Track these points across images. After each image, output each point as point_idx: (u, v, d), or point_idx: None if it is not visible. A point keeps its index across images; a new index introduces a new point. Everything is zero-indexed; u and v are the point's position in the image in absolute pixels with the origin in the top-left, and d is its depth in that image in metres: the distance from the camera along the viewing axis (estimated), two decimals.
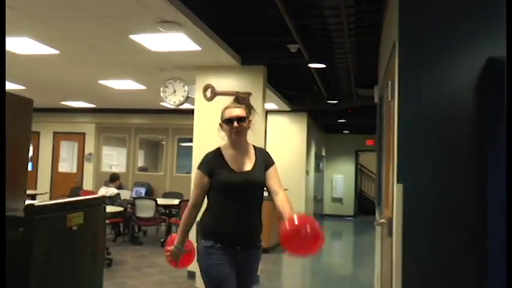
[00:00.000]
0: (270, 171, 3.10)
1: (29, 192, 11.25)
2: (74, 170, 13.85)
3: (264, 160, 3.11)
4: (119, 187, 12.16)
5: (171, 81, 6.94)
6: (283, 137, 11.10)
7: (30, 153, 14.23)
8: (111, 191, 8.96)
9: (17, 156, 2.60)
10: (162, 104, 10.95)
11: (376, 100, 6.99)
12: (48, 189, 13.65)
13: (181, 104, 6.93)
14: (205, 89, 6.68)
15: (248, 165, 3.02)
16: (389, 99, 3.19)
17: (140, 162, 14.45)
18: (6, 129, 2.17)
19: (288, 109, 10.60)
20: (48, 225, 2.18)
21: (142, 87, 8.82)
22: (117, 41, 5.72)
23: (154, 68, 7.07)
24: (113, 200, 8.87)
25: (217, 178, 2.96)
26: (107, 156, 14.32)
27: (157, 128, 13.37)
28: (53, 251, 2.21)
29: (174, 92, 6.92)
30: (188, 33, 5.23)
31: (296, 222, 2.71)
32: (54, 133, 13.99)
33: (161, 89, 6.97)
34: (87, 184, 13.41)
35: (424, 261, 2.73)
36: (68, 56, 6.59)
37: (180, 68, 6.89)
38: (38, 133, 14.04)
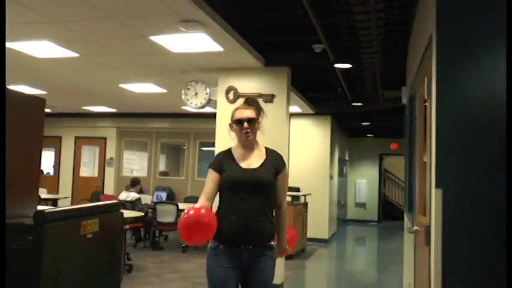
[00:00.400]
0: (279, 178, 3.12)
1: (50, 196, 11.25)
2: (95, 175, 13.82)
3: (275, 163, 3.12)
4: (140, 191, 12.08)
5: (192, 83, 6.80)
6: (307, 141, 10.87)
7: (52, 158, 14.28)
8: (131, 195, 8.85)
9: (28, 159, 2.43)
10: (183, 107, 10.91)
11: (404, 101, 6.74)
12: (69, 194, 13.64)
13: (203, 106, 6.78)
14: (227, 91, 6.52)
15: (256, 163, 3.05)
16: (425, 97, 2.96)
17: (161, 167, 14.38)
18: (17, 130, 2.01)
19: (312, 112, 10.37)
20: (60, 233, 2.01)
21: (164, 90, 8.70)
22: (137, 42, 5.59)
23: (175, 70, 6.93)
24: (134, 204, 8.76)
25: (225, 175, 3.01)
26: (128, 160, 14.26)
27: (179, 132, 13.27)
28: (65, 262, 2.03)
29: (196, 94, 6.78)
30: (210, 33, 5.07)
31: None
32: (76, 138, 13.99)
33: (182, 91, 6.84)
34: (108, 189, 13.36)
35: (465, 272, 2.51)
36: (88, 59, 6.49)
37: (202, 70, 6.74)
38: (60, 138, 14.08)
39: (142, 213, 7.66)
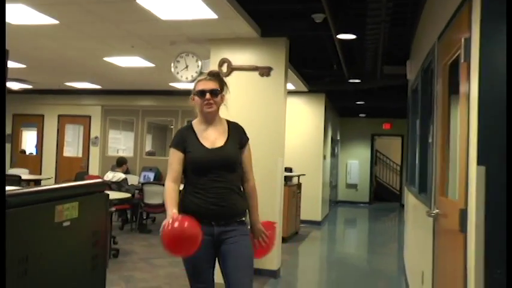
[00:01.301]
0: (245, 151, 3.10)
1: (31, 177, 10.75)
2: (80, 155, 13.30)
3: (239, 136, 3.07)
4: (126, 172, 11.63)
5: (182, 55, 6.32)
6: (300, 119, 10.44)
7: (35, 137, 13.73)
8: (117, 175, 8.41)
9: None
10: (171, 84, 10.42)
11: (410, 76, 6.35)
12: (53, 175, 13.13)
13: (194, 80, 6.30)
14: (220, 64, 6.05)
15: (220, 141, 2.97)
16: (462, 61, 2.55)
17: (148, 147, 13.90)
18: None
19: (305, 90, 9.93)
20: (27, 222, 1.56)
21: (151, 64, 8.19)
22: (122, 7, 5.08)
23: (164, 41, 6.44)
24: (120, 185, 8.31)
25: (189, 156, 2.91)
26: (113, 140, 13.76)
27: (166, 110, 12.77)
28: (34, 258, 1.59)
29: (186, 67, 6.31)
30: None
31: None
32: (59, 116, 13.42)
33: (172, 64, 6.35)
34: (93, 169, 12.86)
35: None
36: (68, 27, 5.96)
37: (193, 41, 6.25)
38: (42, 116, 13.52)
39: (128, 195, 7.22)
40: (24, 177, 9.75)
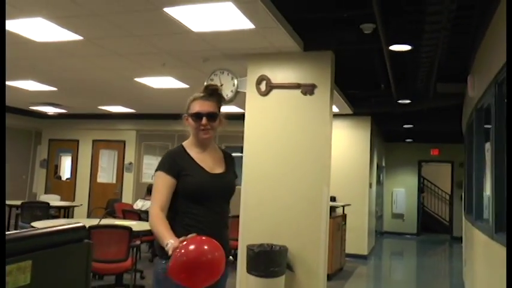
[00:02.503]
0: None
1: (62, 204, 10.34)
2: (114, 181, 12.90)
3: (234, 169, 2.71)
4: None
5: (217, 73, 5.78)
6: (344, 145, 9.70)
7: (69, 163, 13.47)
8: (147, 204, 7.86)
9: None
10: None
11: (471, 93, 5.60)
12: (86, 201, 12.78)
13: (230, 100, 5.74)
14: (259, 82, 5.47)
15: (219, 167, 2.59)
16: None
17: None
18: None
19: (350, 112, 9.24)
20: None
21: (185, 85, 7.70)
22: (147, 16, 4.56)
23: (197, 58, 5.92)
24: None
25: (186, 180, 2.44)
26: (148, 166, 13.32)
27: None
28: None
29: (221, 86, 5.74)
30: (238, 2, 4.04)
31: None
32: (94, 141, 13.11)
33: (205, 83, 5.79)
34: (127, 196, 12.42)
35: None
36: (93, 43, 5.51)
37: (228, 57, 5.71)
38: (77, 141, 13.24)
39: None
40: (54, 203, 9.35)
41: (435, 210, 16.52)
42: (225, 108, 7.78)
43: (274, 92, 5.41)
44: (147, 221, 7.02)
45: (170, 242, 2.09)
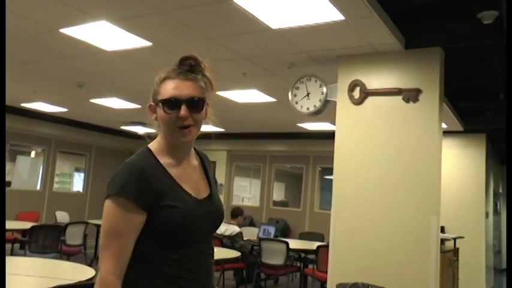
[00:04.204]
0: None
1: None
2: None
3: (214, 175, 1.81)
4: (251, 223, 10.48)
5: (303, 80, 4.99)
6: (454, 167, 8.43)
7: None
8: (231, 229, 7.19)
9: None
10: (299, 125, 9.20)
11: None
12: None
13: (318, 111, 4.91)
14: (351, 88, 4.61)
15: (204, 185, 1.69)
16: None
17: (279, 196, 12.70)
18: None
19: (460, 129, 8.01)
20: None
21: (271, 99, 7.01)
22: (216, 11, 3.91)
23: (281, 63, 5.20)
24: (233, 240, 7.08)
25: (168, 213, 1.51)
26: (239, 188, 12.79)
27: (296, 156, 11.53)
28: None
29: (308, 95, 4.96)
30: None
31: None
32: None
33: (290, 92, 5.05)
34: None
35: None
36: (164, 49, 4.97)
37: (316, 60, 4.93)
38: None
39: (238, 254, 5.90)
40: None
41: None
42: (316, 125, 7.00)
43: (370, 99, 4.51)
44: (230, 247, 6.37)
45: None
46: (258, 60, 5.22)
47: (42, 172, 11.35)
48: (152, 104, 1.64)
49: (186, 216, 1.54)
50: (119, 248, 1.47)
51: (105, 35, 4.59)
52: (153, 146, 1.63)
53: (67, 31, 4.54)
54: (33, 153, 13.08)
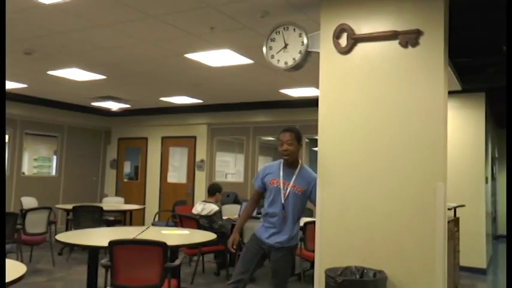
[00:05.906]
0: None
1: (131, 207, 9.29)
2: (184, 181, 11.73)
3: None
4: (235, 200, 9.79)
5: (279, 29, 4.20)
6: (452, 130, 7.60)
7: (129, 162, 12.58)
8: (208, 208, 6.48)
9: None
10: (282, 91, 8.47)
11: None
12: (157, 202, 11.77)
13: (298, 65, 4.13)
14: (337, 34, 3.84)
15: None
16: None
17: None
18: None
19: (458, 88, 7.29)
20: None
21: (248, 60, 6.22)
22: None
23: (252, 11, 4.41)
24: (211, 220, 6.38)
25: None
26: (221, 163, 12.05)
27: (281, 126, 10.73)
28: None
29: (285, 46, 4.17)
30: None
31: None
32: (163, 138, 12.04)
33: (264, 44, 4.26)
34: (199, 197, 11.17)
35: None
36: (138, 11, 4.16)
37: (294, 5, 4.15)
38: (146, 139, 12.25)
39: (214, 236, 5.18)
40: (108, 208, 8.28)
41: None
42: (301, 91, 6.17)
43: (360, 47, 3.74)
44: (208, 227, 5.65)
45: None
46: (225, 9, 4.41)
47: (9, 155, 10.51)
48: None
49: None
50: None
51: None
52: None
53: None
54: None
